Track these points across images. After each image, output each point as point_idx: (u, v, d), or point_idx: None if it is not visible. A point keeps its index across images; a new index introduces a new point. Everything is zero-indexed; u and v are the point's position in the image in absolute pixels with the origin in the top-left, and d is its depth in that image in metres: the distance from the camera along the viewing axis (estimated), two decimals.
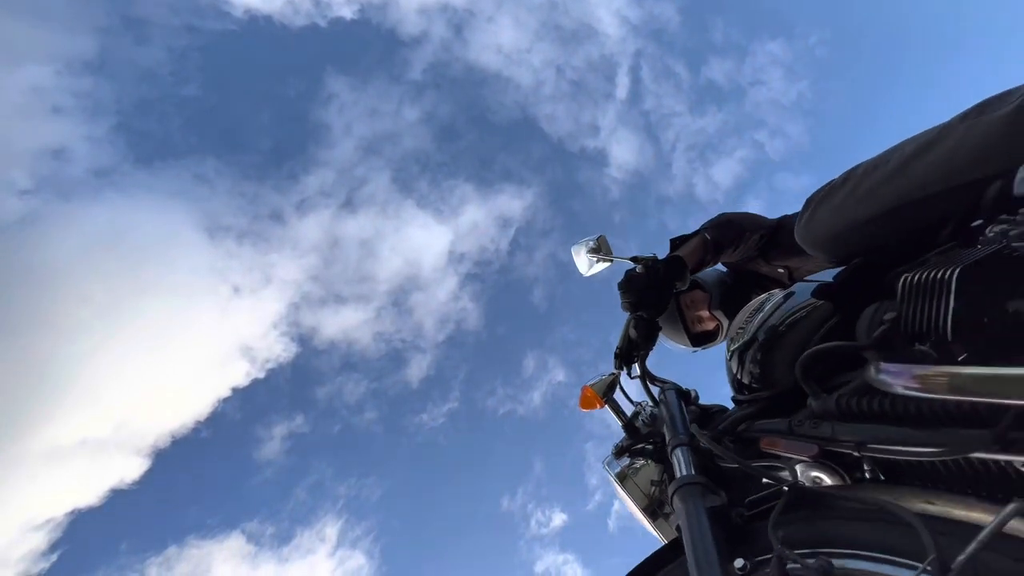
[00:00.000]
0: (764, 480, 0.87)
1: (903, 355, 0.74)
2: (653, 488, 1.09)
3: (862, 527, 0.62)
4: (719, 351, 1.94)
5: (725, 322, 1.79)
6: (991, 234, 0.84)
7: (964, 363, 0.71)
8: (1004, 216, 0.88)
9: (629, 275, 1.27)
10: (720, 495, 0.78)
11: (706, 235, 1.43)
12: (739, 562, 0.69)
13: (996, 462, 0.60)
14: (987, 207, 0.96)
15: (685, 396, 1.22)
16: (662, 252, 1.54)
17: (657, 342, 1.34)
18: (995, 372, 0.50)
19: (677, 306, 1.87)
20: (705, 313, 1.82)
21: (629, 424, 1.20)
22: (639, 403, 1.27)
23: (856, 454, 0.74)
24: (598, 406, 1.21)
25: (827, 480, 0.80)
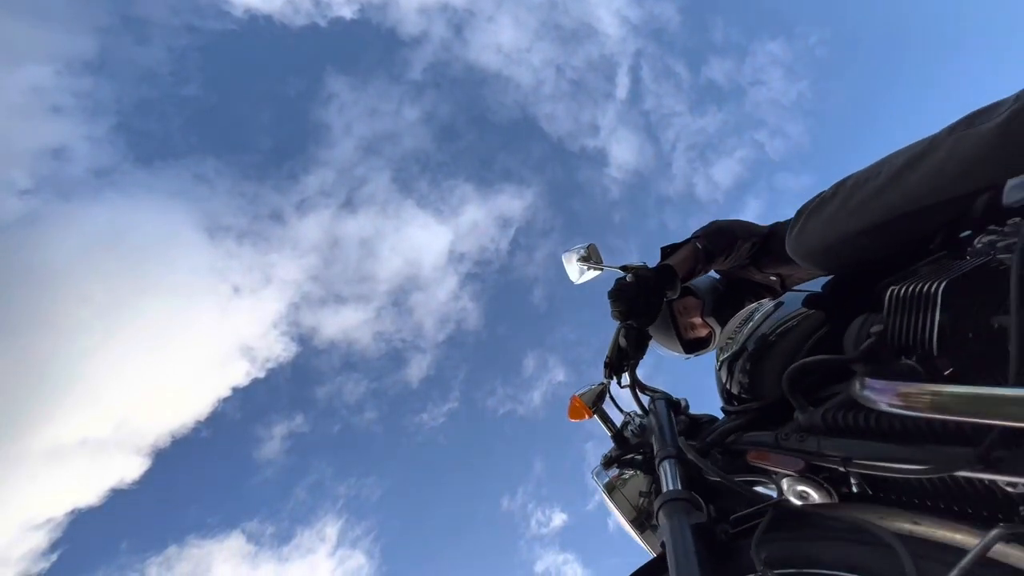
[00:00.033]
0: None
1: (890, 369, 0.73)
2: (642, 499, 1.08)
3: (845, 548, 0.61)
4: (713, 357, 1.93)
5: (718, 329, 1.79)
6: (979, 245, 0.84)
7: (950, 377, 0.70)
8: (993, 227, 0.88)
9: (619, 284, 1.26)
10: (705, 511, 0.77)
11: (697, 243, 1.42)
12: None
13: (982, 481, 0.59)
14: (976, 217, 0.95)
15: (675, 406, 1.21)
16: (657, 256, 1.53)
17: (648, 350, 1.33)
18: (977, 392, 0.49)
19: (670, 313, 1.86)
20: (698, 320, 1.81)
21: (618, 434, 1.19)
22: (628, 413, 1.26)
23: (842, 469, 0.73)
24: (586, 416, 1.20)
25: (814, 495, 0.79)
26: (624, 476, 1.13)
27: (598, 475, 1.15)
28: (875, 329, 0.79)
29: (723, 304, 1.78)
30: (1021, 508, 0.57)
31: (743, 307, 1.61)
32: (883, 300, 0.80)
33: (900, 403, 0.58)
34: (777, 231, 1.53)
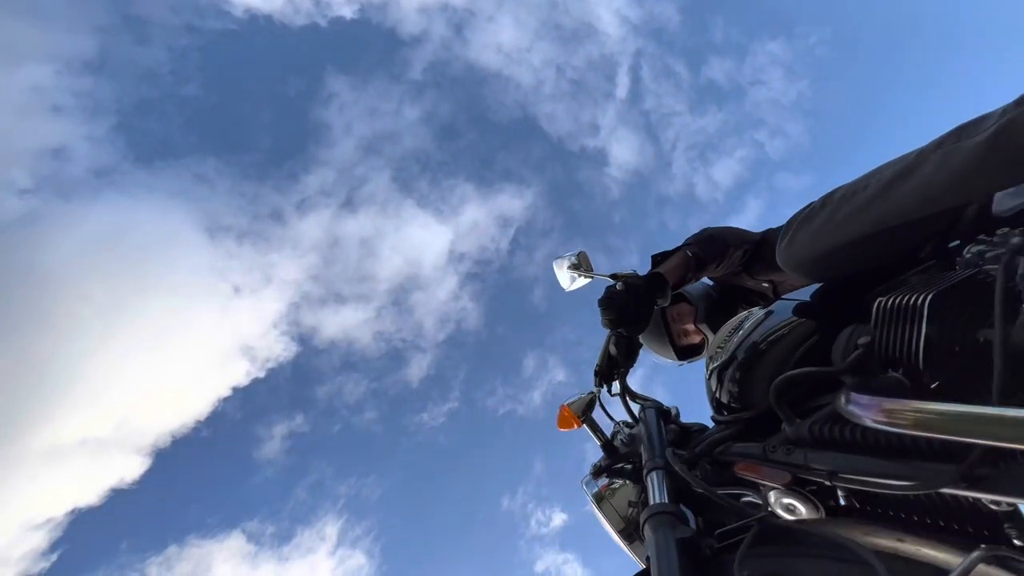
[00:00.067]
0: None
1: (876, 381, 0.73)
2: (631, 510, 1.07)
3: (828, 565, 0.61)
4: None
5: (711, 336, 1.78)
6: (968, 255, 0.83)
7: (936, 391, 0.70)
8: (982, 236, 0.87)
9: (609, 292, 1.26)
10: (691, 525, 0.77)
11: (688, 251, 1.42)
12: None
13: (967, 497, 0.59)
14: (966, 227, 0.95)
15: (665, 415, 1.20)
16: (648, 263, 1.53)
17: (639, 358, 1.33)
18: (959, 410, 0.49)
19: (663, 319, 1.85)
20: (691, 327, 1.81)
21: (608, 444, 1.18)
22: (618, 422, 1.25)
23: (828, 483, 0.72)
24: (575, 426, 1.19)
25: (801, 508, 0.78)
26: (613, 486, 1.12)
27: (587, 485, 1.14)
28: (862, 341, 0.78)
29: (716, 311, 1.78)
30: (1006, 525, 0.57)
31: (736, 314, 1.61)
32: (871, 311, 0.79)
33: (884, 419, 0.57)
34: (769, 238, 1.53)
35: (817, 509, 0.77)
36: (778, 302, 1.13)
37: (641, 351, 2.00)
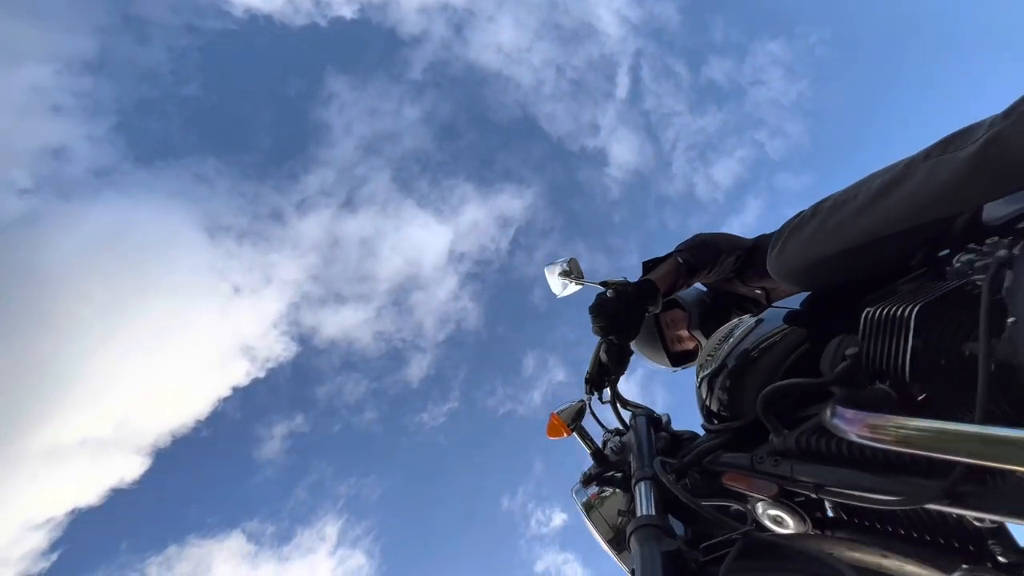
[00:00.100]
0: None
1: (864, 393, 0.72)
2: (620, 519, 1.06)
3: None
4: None
5: (704, 342, 1.77)
6: (958, 264, 0.83)
7: (924, 403, 0.69)
8: (972, 245, 0.87)
9: (600, 299, 1.25)
10: (677, 538, 0.76)
11: (678, 258, 1.41)
12: None
13: (951, 513, 0.58)
14: (956, 235, 0.94)
15: (656, 423, 1.19)
16: (639, 270, 1.52)
17: (630, 365, 1.32)
18: (941, 427, 0.48)
19: (657, 325, 1.85)
20: (684, 333, 1.80)
21: (597, 452, 1.17)
22: (609, 430, 1.24)
23: (814, 496, 0.72)
24: (565, 434, 1.18)
25: (788, 520, 0.78)
26: (603, 494, 1.12)
27: (577, 493, 1.13)
28: (850, 352, 0.78)
29: (710, 317, 1.77)
30: (990, 542, 0.56)
31: (730, 320, 1.60)
32: (860, 321, 0.79)
33: (868, 434, 0.56)
34: (761, 244, 1.53)
35: (804, 521, 0.77)
36: (769, 310, 1.13)
37: (634, 357, 2.00)
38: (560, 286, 1.40)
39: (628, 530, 0.80)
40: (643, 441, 1.07)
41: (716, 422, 1.06)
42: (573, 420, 1.19)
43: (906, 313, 0.69)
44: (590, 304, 1.26)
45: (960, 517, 0.58)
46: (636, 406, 1.27)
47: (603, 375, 1.28)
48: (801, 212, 1.00)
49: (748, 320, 1.12)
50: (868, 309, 0.78)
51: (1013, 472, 0.44)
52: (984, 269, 0.74)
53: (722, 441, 0.99)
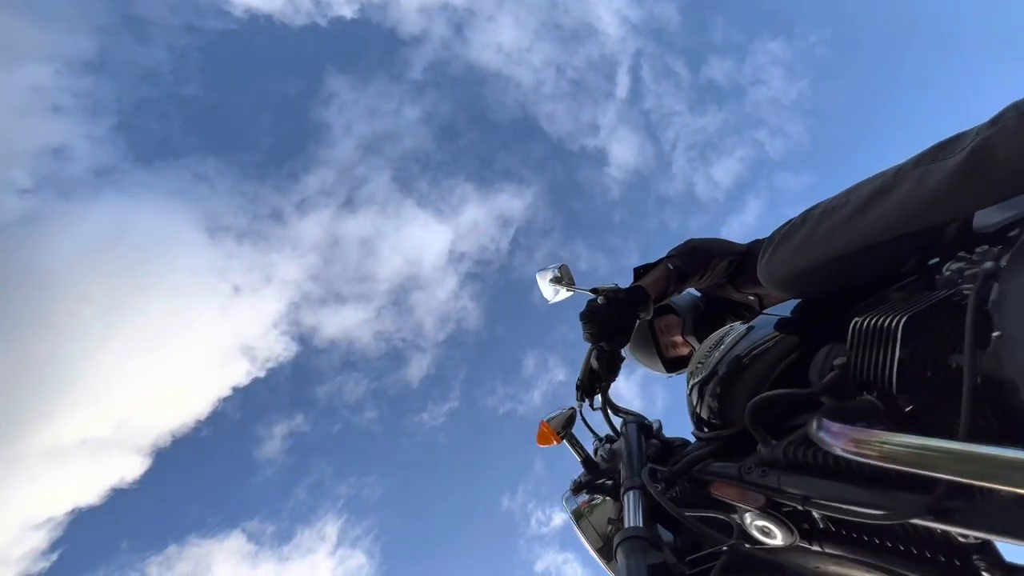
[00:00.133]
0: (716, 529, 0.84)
1: (851, 404, 0.72)
2: (610, 527, 1.06)
3: None
4: None
5: (698, 347, 1.77)
6: (948, 273, 0.83)
7: (911, 414, 0.69)
8: (962, 253, 0.86)
9: (591, 306, 1.25)
10: (664, 551, 0.75)
11: (669, 264, 1.41)
12: None
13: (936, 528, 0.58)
14: (948, 242, 0.94)
15: (647, 430, 1.19)
16: (631, 277, 1.52)
17: (621, 371, 1.31)
18: (925, 444, 0.48)
19: (651, 331, 1.84)
20: (679, 338, 1.80)
21: (588, 459, 1.17)
22: (600, 436, 1.24)
23: (801, 508, 0.71)
24: (555, 442, 1.18)
25: (775, 531, 0.77)
26: (594, 502, 1.11)
27: (567, 501, 1.13)
28: (838, 362, 0.78)
29: (704, 322, 1.77)
30: (975, 557, 0.56)
31: (724, 325, 1.60)
32: (847, 331, 0.78)
33: (852, 449, 0.56)
34: (754, 250, 1.52)
35: (791, 532, 0.76)
36: (760, 317, 1.12)
37: (629, 363, 1.99)
38: (551, 292, 1.39)
39: (615, 541, 0.80)
40: (633, 449, 1.07)
41: (706, 430, 1.06)
42: (563, 427, 1.18)
43: (893, 324, 0.69)
44: (581, 311, 1.26)
45: (945, 532, 0.58)
46: (628, 413, 1.26)
47: (594, 382, 1.27)
48: (791, 219, 1.00)
49: (739, 327, 1.12)
50: (856, 319, 0.78)
51: (997, 490, 0.44)
52: (973, 278, 0.74)
53: (712, 449, 0.98)
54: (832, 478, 0.68)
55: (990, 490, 0.51)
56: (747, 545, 0.77)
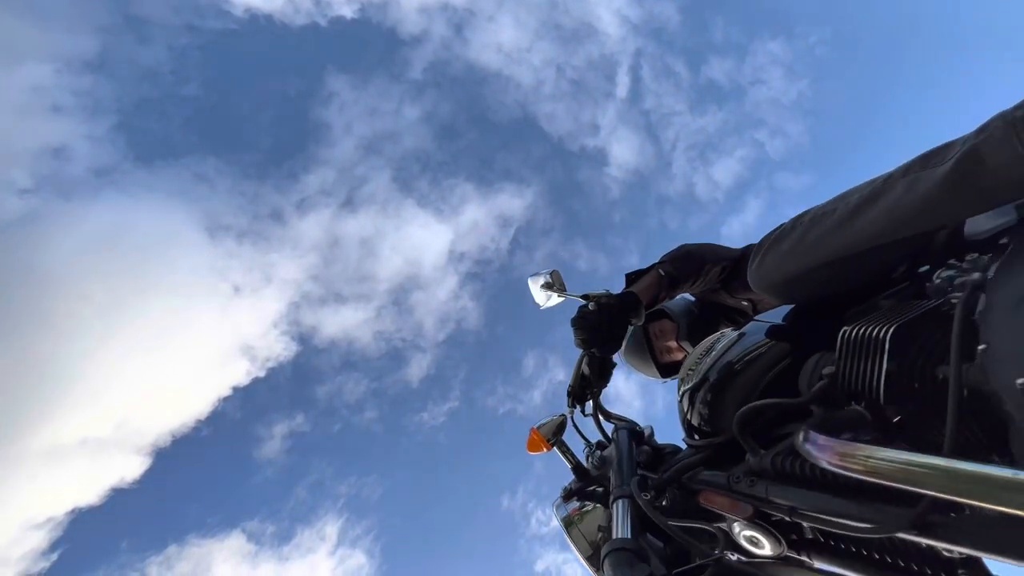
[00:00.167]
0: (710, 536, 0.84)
1: (839, 415, 0.71)
2: (600, 535, 1.05)
3: None
4: None
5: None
6: (938, 281, 0.82)
7: (899, 425, 0.68)
8: (952, 261, 0.86)
9: (582, 312, 1.24)
10: (650, 563, 0.75)
11: (660, 270, 1.40)
12: None
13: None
14: (939, 248, 0.94)
15: (638, 436, 1.18)
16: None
17: (612, 377, 1.31)
18: (909, 459, 0.47)
19: (645, 336, 1.84)
20: (673, 343, 1.79)
21: (578, 466, 1.16)
22: (591, 443, 1.23)
23: (788, 519, 0.71)
24: (545, 449, 1.17)
25: (763, 541, 0.77)
26: (585, 509, 1.10)
27: (558, 508, 1.12)
28: (827, 371, 0.77)
29: (698, 327, 1.76)
30: (960, 571, 0.55)
31: (718, 330, 1.59)
32: (835, 340, 0.78)
33: (838, 462, 0.55)
34: (747, 255, 1.51)
35: (779, 543, 0.76)
36: (751, 323, 1.12)
37: (625, 368, 1.99)
38: (543, 298, 1.39)
39: (603, 553, 0.79)
40: (624, 455, 1.06)
41: (697, 437, 1.05)
42: (554, 434, 1.17)
43: (881, 334, 0.69)
44: (572, 317, 1.25)
45: (932, 546, 0.57)
46: (619, 419, 1.25)
47: (585, 388, 1.26)
48: (781, 225, 1.00)
49: (730, 333, 1.11)
50: (845, 328, 0.77)
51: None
52: (963, 286, 0.73)
53: (702, 457, 0.97)
54: (819, 490, 0.67)
55: (975, 506, 0.50)
56: (735, 556, 0.77)
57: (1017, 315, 0.54)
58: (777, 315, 1.12)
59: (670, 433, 1.25)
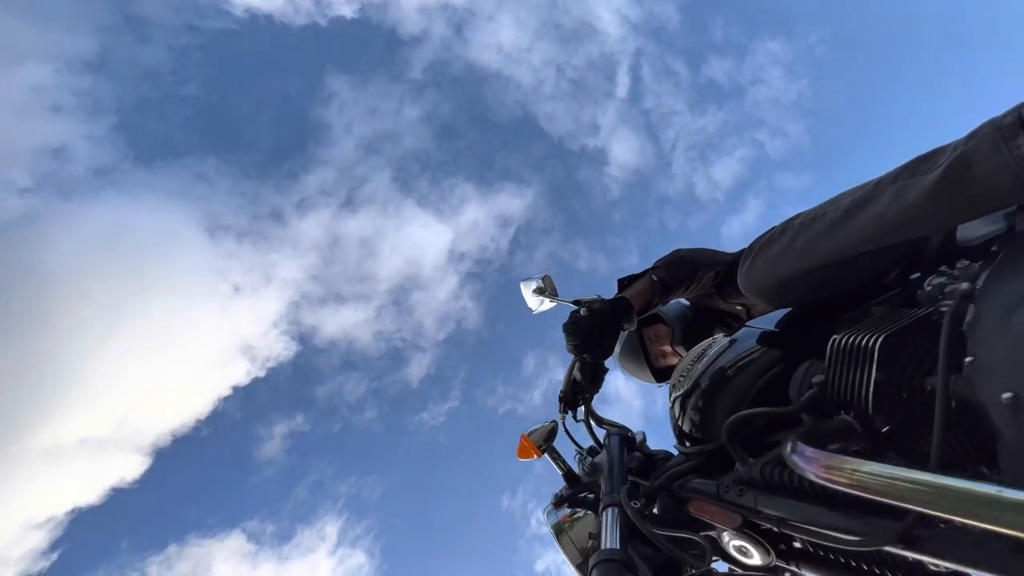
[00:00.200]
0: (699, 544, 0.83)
1: (828, 424, 0.71)
2: (591, 542, 1.04)
3: None
4: None
5: None
6: (929, 288, 0.82)
7: (888, 435, 0.68)
8: (944, 268, 0.86)
9: (573, 317, 1.23)
10: (638, 574, 0.74)
11: (653, 276, 1.39)
12: None
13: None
14: (931, 254, 0.93)
15: (630, 442, 1.17)
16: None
17: (603, 385, 1.30)
18: (894, 473, 0.47)
19: (640, 341, 1.83)
20: (668, 348, 1.79)
21: (569, 473, 1.16)
22: (582, 448, 1.23)
23: (776, 530, 0.70)
24: (535, 456, 1.16)
25: (752, 551, 0.76)
26: (576, 515, 1.10)
27: (548, 515, 1.11)
28: (816, 379, 0.77)
29: (692, 332, 1.76)
30: None
31: (712, 335, 1.58)
32: (825, 349, 0.77)
33: (824, 475, 0.55)
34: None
35: (768, 553, 0.75)
36: (743, 329, 1.11)
37: (618, 372, 1.98)
38: (535, 303, 1.38)
39: (590, 563, 0.78)
40: (615, 462, 1.05)
41: (688, 443, 1.05)
42: (544, 441, 1.17)
43: (870, 343, 0.68)
44: (564, 322, 1.25)
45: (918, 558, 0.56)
46: (611, 424, 1.25)
47: (577, 393, 1.26)
48: (771, 228, 0.99)
49: (721, 340, 1.11)
50: (835, 336, 0.77)
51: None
52: (953, 294, 0.73)
53: (693, 464, 0.97)
54: (807, 501, 0.67)
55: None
56: (725, 566, 0.76)
57: (1005, 327, 0.53)
58: (770, 321, 1.12)
59: (668, 437, 1.25)
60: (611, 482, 0.99)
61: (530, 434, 1.16)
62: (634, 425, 1.26)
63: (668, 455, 1.16)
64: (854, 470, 0.51)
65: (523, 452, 1.16)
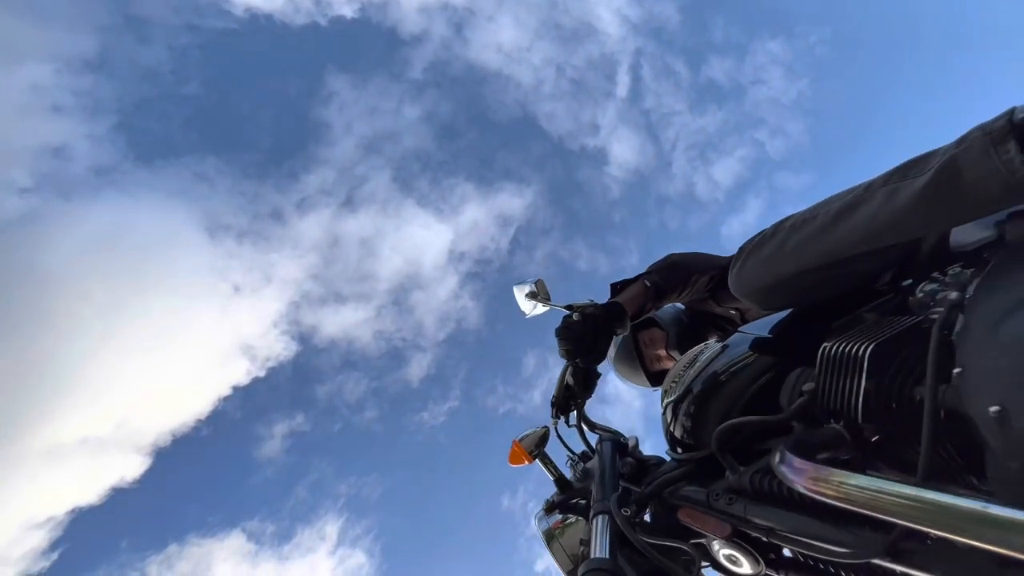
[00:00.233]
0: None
1: (817, 433, 0.70)
2: (582, 548, 1.04)
3: None
4: None
5: None
6: (920, 295, 0.81)
7: (877, 444, 0.67)
8: (936, 274, 0.85)
9: (566, 322, 1.23)
10: None
11: (646, 280, 1.39)
12: None
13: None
14: (924, 259, 0.93)
15: (622, 448, 1.17)
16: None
17: (596, 390, 1.29)
18: (880, 487, 0.46)
19: (635, 345, 1.83)
20: (663, 352, 1.78)
21: (561, 479, 1.15)
22: (574, 454, 1.22)
23: (765, 540, 0.70)
24: (526, 462, 1.16)
25: (742, 560, 0.76)
26: (567, 521, 1.09)
27: (539, 521, 1.10)
28: (807, 387, 0.76)
29: (687, 336, 1.75)
30: None
31: (707, 339, 1.58)
32: (816, 356, 0.77)
33: (811, 486, 0.54)
34: None
35: (758, 562, 0.74)
36: (735, 335, 1.11)
37: (612, 377, 1.97)
38: (528, 307, 1.37)
39: (579, 572, 0.78)
40: (607, 468, 1.04)
41: (680, 450, 1.04)
42: (536, 446, 1.16)
43: (860, 352, 0.68)
44: (556, 327, 1.24)
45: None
46: (604, 429, 1.24)
47: (569, 398, 1.25)
48: (763, 231, 0.99)
49: (714, 345, 1.10)
50: (826, 344, 0.76)
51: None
52: (943, 302, 0.72)
53: (685, 471, 0.96)
54: (796, 511, 0.66)
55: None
56: (715, 574, 0.76)
57: (993, 338, 0.53)
58: (763, 326, 1.11)
59: (661, 445, 1.24)
60: (602, 488, 0.98)
61: (521, 440, 1.16)
62: (633, 427, 1.25)
63: (661, 461, 1.15)
64: (841, 482, 0.50)
65: (514, 458, 1.15)
